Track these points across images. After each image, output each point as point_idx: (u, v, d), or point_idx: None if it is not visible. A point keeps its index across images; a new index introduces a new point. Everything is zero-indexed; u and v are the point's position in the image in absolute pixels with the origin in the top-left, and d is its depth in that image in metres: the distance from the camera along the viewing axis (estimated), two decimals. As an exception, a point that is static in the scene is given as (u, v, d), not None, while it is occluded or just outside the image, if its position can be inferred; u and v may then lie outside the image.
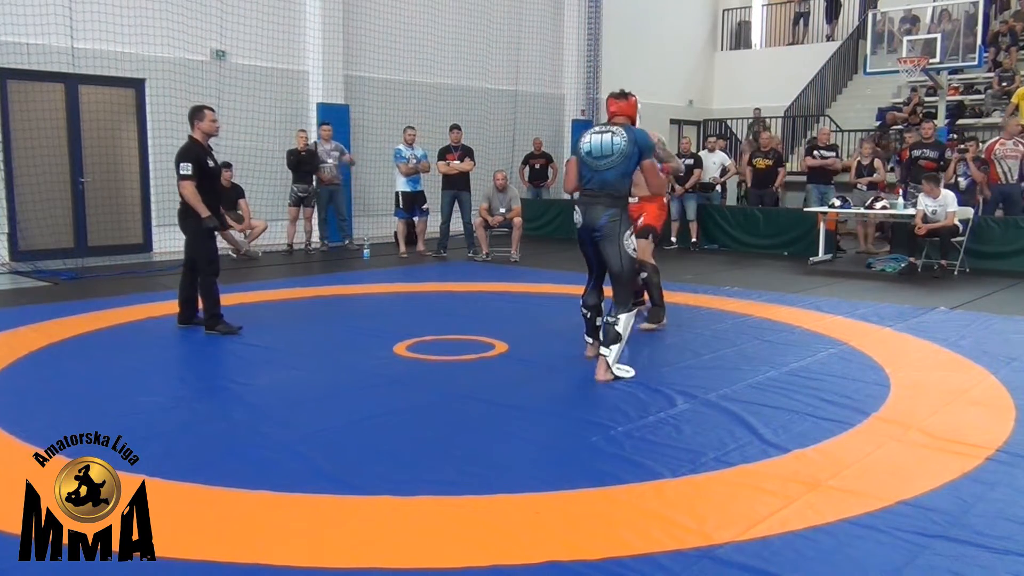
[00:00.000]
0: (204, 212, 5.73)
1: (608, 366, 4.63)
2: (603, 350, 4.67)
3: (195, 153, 5.74)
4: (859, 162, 11.14)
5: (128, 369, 4.92)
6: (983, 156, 10.01)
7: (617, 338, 4.62)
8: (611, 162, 4.67)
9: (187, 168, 5.66)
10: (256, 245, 10.40)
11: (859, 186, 10.86)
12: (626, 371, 4.71)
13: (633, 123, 4.92)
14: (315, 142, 10.90)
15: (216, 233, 5.92)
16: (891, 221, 10.23)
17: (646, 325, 5.96)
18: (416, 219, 10.73)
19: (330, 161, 10.83)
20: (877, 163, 10.99)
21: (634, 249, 4.72)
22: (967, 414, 4.05)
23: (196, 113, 5.86)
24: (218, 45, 10.69)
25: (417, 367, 5.00)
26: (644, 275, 5.99)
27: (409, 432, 3.83)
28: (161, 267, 9.36)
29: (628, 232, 4.66)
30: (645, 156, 4.76)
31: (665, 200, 6.36)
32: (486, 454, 3.50)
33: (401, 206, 10.66)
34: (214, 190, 6.00)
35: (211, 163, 5.88)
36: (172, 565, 2.48)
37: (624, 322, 4.62)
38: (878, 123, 14.66)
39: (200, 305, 5.99)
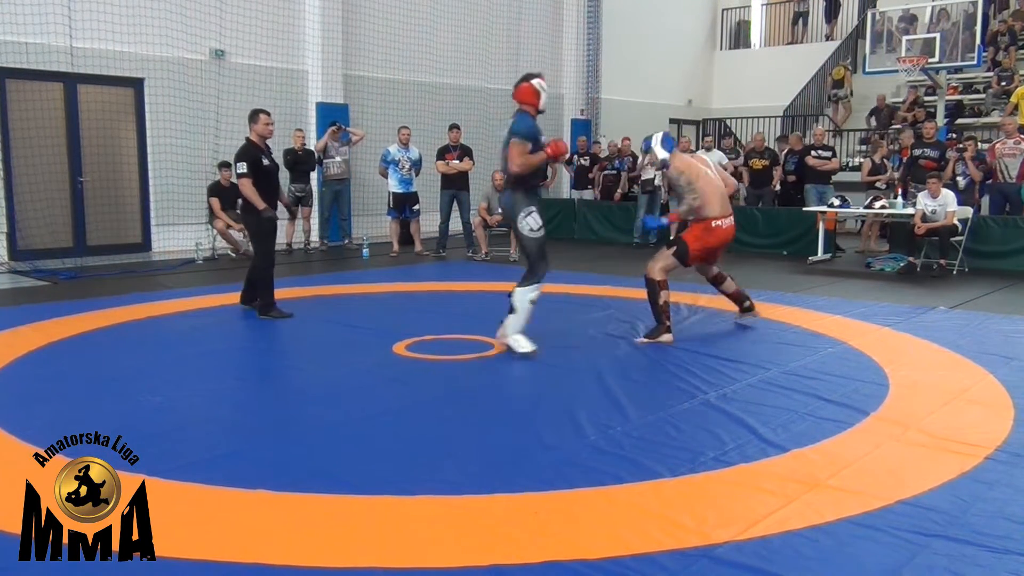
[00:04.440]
0: (260, 205, 6.23)
1: (505, 333, 4.99)
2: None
3: (251, 153, 6.27)
4: (872, 160, 11.15)
5: (128, 369, 4.92)
6: (986, 156, 10.02)
7: (511, 309, 4.97)
8: (503, 151, 5.03)
9: (242, 167, 6.23)
10: (255, 244, 10.39)
11: (877, 184, 10.86)
12: (522, 345, 4.98)
13: (534, 107, 5.06)
14: (323, 140, 10.89)
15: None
16: (889, 220, 10.23)
17: (642, 340, 5.64)
18: (408, 219, 10.73)
19: (338, 158, 10.84)
20: (887, 163, 11.06)
21: (531, 229, 4.97)
22: (966, 413, 4.05)
23: (253, 117, 6.41)
24: (217, 44, 10.69)
25: (416, 366, 5.01)
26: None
27: (409, 432, 3.83)
28: (160, 266, 9.36)
29: (524, 213, 4.96)
30: (512, 138, 4.92)
31: (714, 223, 5.70)
32: (486, 454, 3.51)
33: (392, 206, 10.69)
34: (270, 187, 6.48)
35: (266, 162, 6.38)
36: (172, 565, 2.48)
37: (519, 295, 4.98)
38: (870, 115, 14.71)
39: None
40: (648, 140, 5.94)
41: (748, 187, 12.06)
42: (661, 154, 5.80)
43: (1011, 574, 2.48)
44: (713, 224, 5.71)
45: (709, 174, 5.76)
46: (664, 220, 6.10)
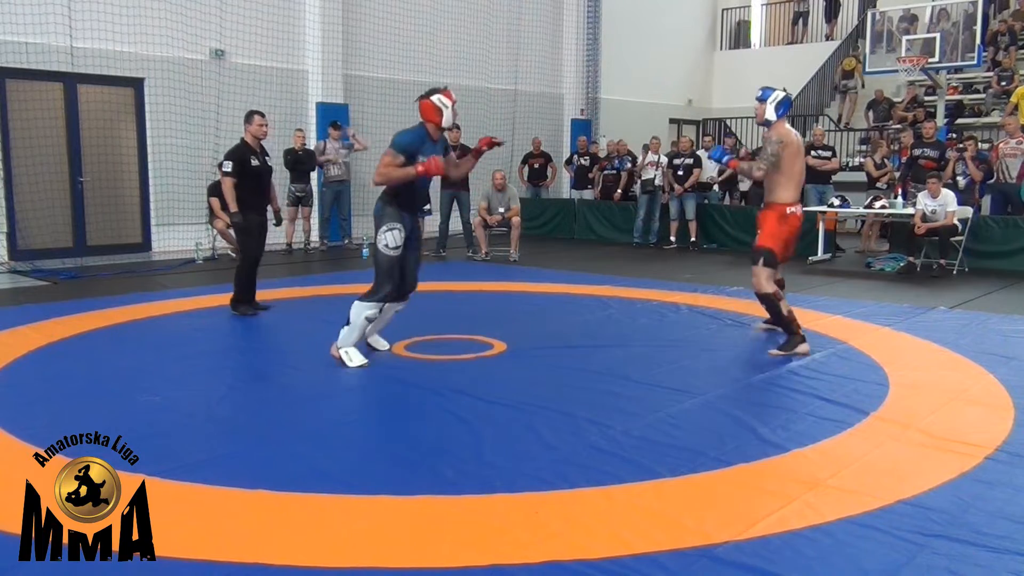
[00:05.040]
0: (233, 207, 6.33)
1: (337, 346, 4.94)
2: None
3: (240, 153, 6.35)
4: (873, 160, 11.17)
5: (128, 369, 4.92)
6: (989, 157, 10.02)
7: (347, 322, 4.88)
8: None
9: (227, 166, 6.34)
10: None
11: (879, 183, 10.87)
12: (348, 359, 4.89)
13: (435, 124, 4.82)
14: (323, 141, 10.91)
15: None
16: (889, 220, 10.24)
17: (776, 352, 5.24)
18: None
19: (338, 159, 10.85)
20: (887, 163, 11.08)
21: (386, 245, 4.82)
22: (966, 413, 4.05)
23: (247, 118, 6.50)
24: (217, 44, 10.69)
25: (416, 366, 5.01)
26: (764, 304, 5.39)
27: (409, 432, 3.83)
28: (160, 266, 9.37)
29: (387, 228, 4.82)
30: (389, 147, 4.75)
31: (788, 210, 5.35)
32: (486, 454, 3.50)
33: None
34: (259, 188, 6.51)
35: (255, 163, 6.41)
36: (172, 565, 2.48)
37: (356, 309, 4.88)
38: (868, 108, 14.73)
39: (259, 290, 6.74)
40: (767, 91, 5.41)
41: (752, 186, 12.09)
42: (770, 114, 5.35)
43: (1011, 574, 2.48)
44: (788, 211, 5.36)
45: (802, 158, 5.43)
46: (727, 158, 5.69)
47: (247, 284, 6.55)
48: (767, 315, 5.72)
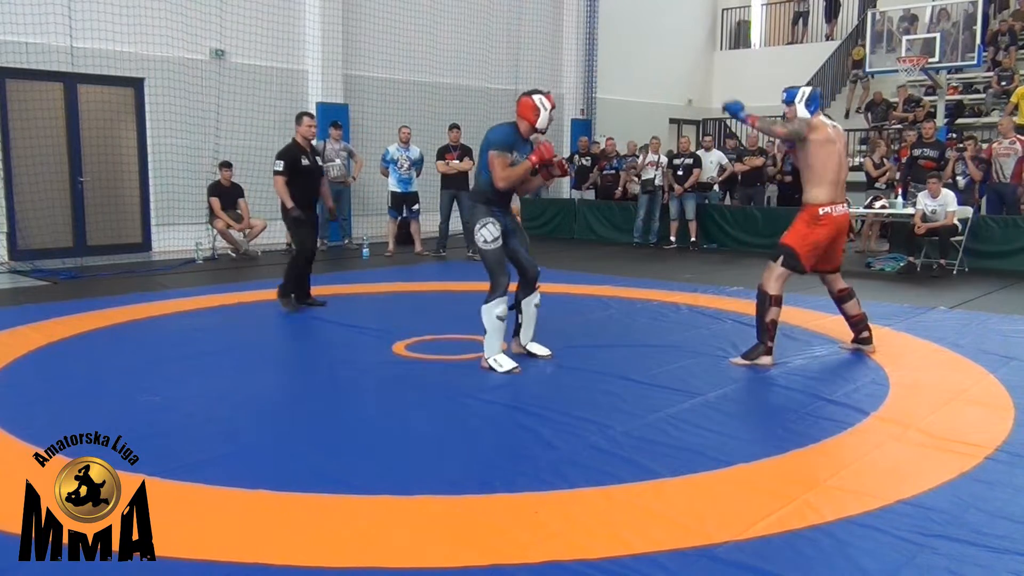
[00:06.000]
0: (289, 203, 6.48)
1: (484, 357, 4.84)
2: None
3: (291, 153, 6.52)
4: (873, 160, 11.17)
5: (128, 368, 4.92)
6: (984, 157, 10.04)
7: (484, 331, 4.80)
8: (480, 159, 4.94)
9: (278, 165, 6.48)
10: (255, 244, 10.41)
11: (878, 183, 10.88)
12: (498, 365, 4.79)
13: (529, 124, 4.84)
14: (323, 141, 10.91)
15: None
16: (890, 220, 10.23)
17: (738, 361, 5.02)
18: (409, 219, 10.74)
19: (338, 161, 10.85)
20: (887, 162, 11.09)
21: (484, 240, 4.77)
22: (966, 413, 4.05)
23: (297, 119, 6.69)
24: (217, 44, 10.69)
25: (416, 366, 5.01)
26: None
27: (409, 432, 3.83)
28: (160, 266, 9.36)
29: (480, 225, 4.78)
30: (490, 148, 4.80)
31: (822, 211, 4.94)
32: (485, 453, 3.51)
33: (391, 205, 10.73)
34: (309, 186, 6.64)
35: (305, 162, 6.56)
36: (172, 565, 2.48)
37: (485, 315, 4.79)
38: (866, 110, 14.76)
39: (310, 287, 6.93)
40: (791, 92, 5.07)
41: (740, 186, 12.11)
42: (802, 113, 4.96)
43: (1011, 574, 2.48)
44: (821, 212, 4.94)
45: (838, 149, 4.96)
46: (743, 114, 5.03)
47: (298, 278, 6.67)
48: (853, 334, 5.37)
